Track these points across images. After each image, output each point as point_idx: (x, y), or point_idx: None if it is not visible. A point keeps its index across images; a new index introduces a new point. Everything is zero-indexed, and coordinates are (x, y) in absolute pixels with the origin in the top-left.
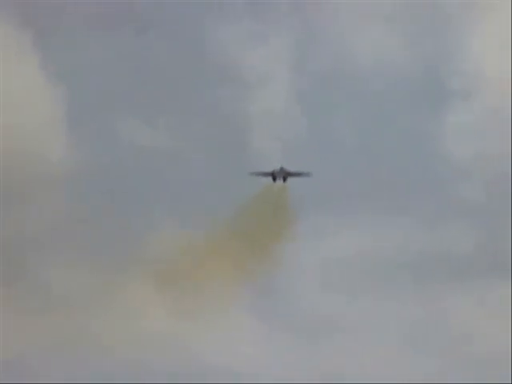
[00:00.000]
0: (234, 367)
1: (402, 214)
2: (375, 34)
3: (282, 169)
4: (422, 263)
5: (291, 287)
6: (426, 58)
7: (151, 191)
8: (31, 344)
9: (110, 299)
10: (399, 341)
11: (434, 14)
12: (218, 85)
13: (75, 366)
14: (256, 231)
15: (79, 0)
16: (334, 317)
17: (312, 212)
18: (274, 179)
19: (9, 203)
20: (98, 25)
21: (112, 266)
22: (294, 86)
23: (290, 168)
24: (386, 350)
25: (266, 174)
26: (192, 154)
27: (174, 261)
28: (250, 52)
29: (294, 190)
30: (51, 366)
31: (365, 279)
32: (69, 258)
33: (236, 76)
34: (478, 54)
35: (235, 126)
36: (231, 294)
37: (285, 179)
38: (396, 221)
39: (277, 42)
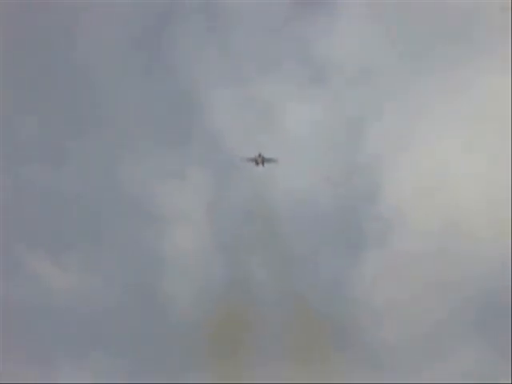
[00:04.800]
0: None
1: None
2: (296, 173)
3: (261, 155)
4: None
5: None
6: (347, 198)
7: (56, 331)
8: None
9: None
10: None
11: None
12: (131, 221)
13: None
14: None
15: None
16: None
17: None
18: (257, 164)
19: None
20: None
21: None
22: (210, 226)
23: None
24: None
25: (250, 160)
26: (101, 294)
27: None
28: (165, 187)
29: None
30: None
31: None
32: None
33: (149, 212)
34: (396, 202)
35: (146, 266)
36: None
37: (263, 163)
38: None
39: (193, 177)
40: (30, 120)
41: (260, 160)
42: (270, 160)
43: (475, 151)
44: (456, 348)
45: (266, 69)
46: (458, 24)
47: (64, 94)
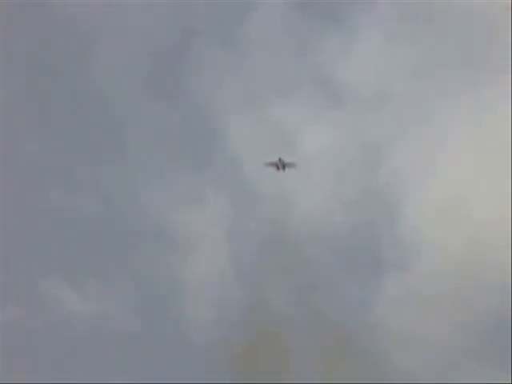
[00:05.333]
0: None
1: None
2: (313, 199)
3: (282, 160)
4: None
5: None
6: (365, 221)
7: (75, 357)
8: None
9: None
10: None
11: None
12: (148, 247)
13: None
14: None
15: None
16: None
17: None
18: (278, 168)
19: None
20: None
21: None
22: (229, 250)
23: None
24: None
25: (271, 164)
26: (122, 321)
27: None
28: (184, 212)
29: None
30: None
31: None
32: None
33: (167, 238)
34: (414, 224)
35: (166, 292)
36: None
37: (284, 168)
38: None
39: (212, 202)
40: (44, 146)
41: (281, 164)
42: (290, 164)
43: (495, 171)
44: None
45: (283, 92)
46: (478, 46)
47: (81, 120)
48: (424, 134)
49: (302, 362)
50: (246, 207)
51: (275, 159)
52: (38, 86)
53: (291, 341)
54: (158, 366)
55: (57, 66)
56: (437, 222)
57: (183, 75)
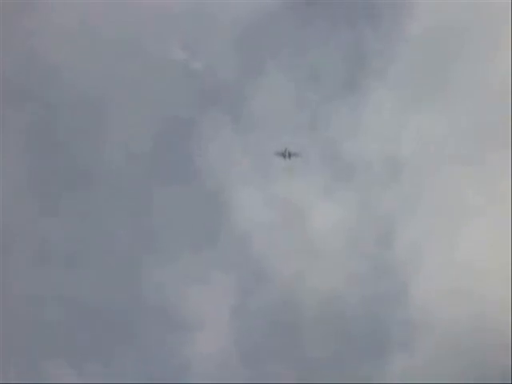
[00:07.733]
0: None
1: None
2: (321, 276)
3: (287, 150)
4: None
5: None
6: (373, 299)
7: None
8: None
9: None
10: None
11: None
12: (154, 327)
13: None
14: None
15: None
16: None
17: None
18: (284, 157)
19: None
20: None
21: None
22: (234, 331)
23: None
24: None
25: (278, 154)
26: None
27: None
28: (189, 292)
29: None
30: None
31: None
32: None
33: (171, 318)
34: (423, 302)
35: (171, 371)
36: None
37: (290, 157)
38: None
39: (217, 282)
40: (53, 222)
41: (287, 154)
42: (295, 154)
43: (502, 249)
44: None
45: (292, 167)
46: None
47: (86, 194)
48: (436, 207)
49: None
50: (253, 287)
51: (282, 149)
52: (44, 163)
53: None
54: None
55: (64, 143)
56: (446, 300)
57: (189, 153)
